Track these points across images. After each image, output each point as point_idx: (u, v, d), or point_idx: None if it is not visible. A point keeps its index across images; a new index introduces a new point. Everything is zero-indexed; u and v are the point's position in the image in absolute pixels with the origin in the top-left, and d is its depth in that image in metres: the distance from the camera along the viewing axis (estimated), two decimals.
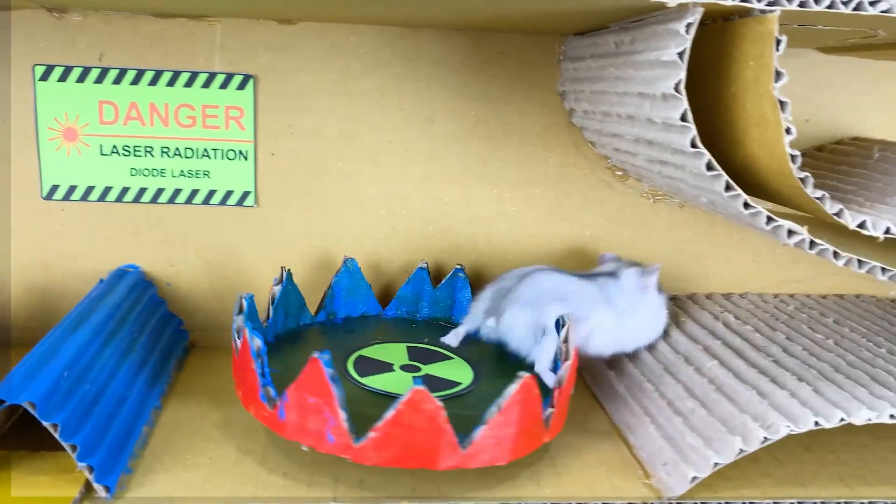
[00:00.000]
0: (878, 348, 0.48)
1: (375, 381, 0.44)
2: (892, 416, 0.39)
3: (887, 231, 0.36)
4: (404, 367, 0.46)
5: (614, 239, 0.57)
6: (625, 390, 0.48)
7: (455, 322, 0.53)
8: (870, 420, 0.39)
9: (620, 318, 0.48)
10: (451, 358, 0.48)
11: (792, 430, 0.38)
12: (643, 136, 0.41)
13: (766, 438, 0.38)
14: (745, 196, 0.36)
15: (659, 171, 0.43)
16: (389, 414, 0.35)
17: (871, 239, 0.47)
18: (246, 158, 0.53)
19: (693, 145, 0.36)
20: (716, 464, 0.39)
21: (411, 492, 0.39)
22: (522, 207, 0.56)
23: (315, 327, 0.52)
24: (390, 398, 0.39)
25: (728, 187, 0.36)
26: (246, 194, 0.53)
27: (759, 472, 0.43)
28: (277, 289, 0.49)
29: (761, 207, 0.36)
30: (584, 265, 0.57)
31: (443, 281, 0.54)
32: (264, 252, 0.54)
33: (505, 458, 0.38)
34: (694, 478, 0.39)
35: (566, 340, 0.44)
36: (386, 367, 0.46)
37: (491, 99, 0.54)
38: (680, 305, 0.56)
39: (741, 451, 0.38)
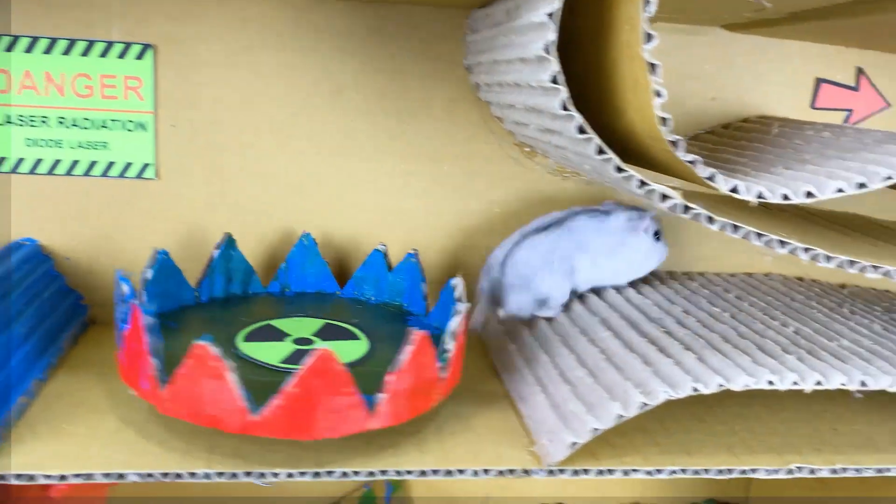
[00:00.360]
0: (773, 321, 0.49)
1: (251, 348, 0.44)
2: (770, 383, 0.39)
3: (760, 195, 0.36)
4: (298, 340, 0.46)
5: (524, 215, 0.57)
6: (522, 362, 0.48)
7: (406, 309, 0.52)
8: (748, 386, 0.39)
9: (596, 259, 0.52)
10: (358, 339, 0.47)
11: (670, 396, 0.38)
12: (528, 103, 0.41)
13: (644, 404, 0.38)
14: (616, 160, 0.36)
15: (549, 141, 0.43)
16: (181, 367, 0.36)
17: (770, 214, 0.47)
18: (145, 130, 0.52)
19: (564, 108, 0.35)
20: (595, 429, 0.39)
21: (286, 460, 0.39)
22: (431, 183, 0.55)
23: (260, 296, 0.53)
24: (247, 363, 0.42)
25: (600, 151, 0.36)
26: (146, 166, 0.52)
27: (647, 441, 0.43)
28: (216, 252, 0.50)
29: (633, 171, 0.36)
30: (494, 242, 0.57)
31: (396, 265, 0.53)
32: (166, 226, 0.53)
33: (306, 434, 0.36)
34: (573, 443, 0.39)
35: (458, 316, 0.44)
36: (278, 337, 0.46)
37: (398, 73, 0.53)
38: None
39: (620, 416, 0.38)
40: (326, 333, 0.47)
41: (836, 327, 0.48)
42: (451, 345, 0.41)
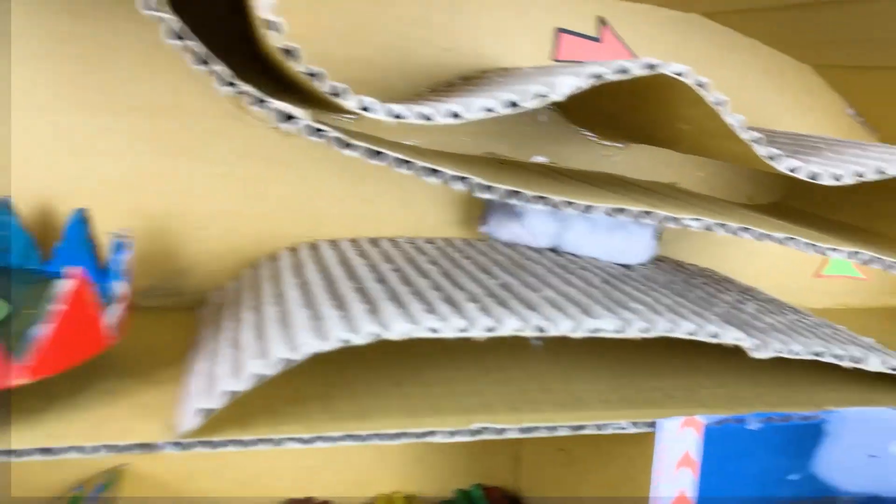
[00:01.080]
0: (484, 275, 0.45)
1: None
2: (433, 330, 0.35)
3: (398, 115, 0.32)
4: None
5: (245, 176, 0.51)
6: (211, 332, 0.43)
7: None
8: (407, 334, 0.35)
9: (595, 228, 0.52)
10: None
11: (317, 349, 0.34)
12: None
13: (287, 360, 0.34)
14: (228, 74, 0.31)
15: None
16: None
17: (501, 167, 0.44)
18: None
19: (179, 37, 0.31)
20: (231, 392, 0.34)
21: None
22: (133, 139, 0.49)
23: (28, 272, 0.46)
24: None
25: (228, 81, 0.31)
26: None
27: (322, 408, 0.38)
28: None
29: (248, 88, 0.32)
30: (217, 207, 0.51)
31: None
32: None
33: None
34: (206, 410, 0.34)
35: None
36: None
37: (80, 14, 0.47)
38: (318, 249, 0.51)
39: (259, 375, 0.34)
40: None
41: (550, 280, 0.45)
42: (42, 331, 0.33)
